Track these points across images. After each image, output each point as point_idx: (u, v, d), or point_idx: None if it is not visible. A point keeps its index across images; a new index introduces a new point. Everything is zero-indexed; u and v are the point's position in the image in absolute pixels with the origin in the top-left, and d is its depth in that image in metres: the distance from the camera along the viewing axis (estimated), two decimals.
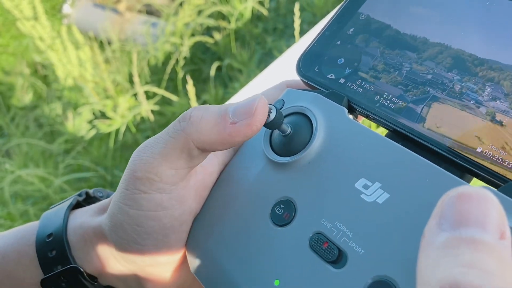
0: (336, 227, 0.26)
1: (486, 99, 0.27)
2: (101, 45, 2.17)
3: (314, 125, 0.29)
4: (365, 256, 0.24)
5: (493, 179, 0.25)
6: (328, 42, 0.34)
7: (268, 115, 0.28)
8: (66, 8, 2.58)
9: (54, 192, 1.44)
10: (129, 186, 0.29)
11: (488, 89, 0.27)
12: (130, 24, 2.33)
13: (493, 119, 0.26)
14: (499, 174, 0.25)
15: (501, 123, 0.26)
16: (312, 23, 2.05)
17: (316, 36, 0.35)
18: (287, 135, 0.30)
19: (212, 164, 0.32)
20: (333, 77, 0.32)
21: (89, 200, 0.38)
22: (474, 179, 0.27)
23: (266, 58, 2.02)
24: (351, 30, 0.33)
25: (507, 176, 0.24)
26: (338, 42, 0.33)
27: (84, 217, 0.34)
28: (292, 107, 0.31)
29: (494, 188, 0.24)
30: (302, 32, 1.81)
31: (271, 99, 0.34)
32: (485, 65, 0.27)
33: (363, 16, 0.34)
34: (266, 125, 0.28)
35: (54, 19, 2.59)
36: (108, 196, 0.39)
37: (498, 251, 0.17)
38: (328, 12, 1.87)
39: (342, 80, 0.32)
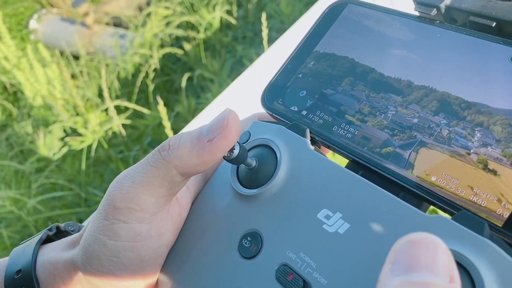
0: (301, 258, 0.27)
1: (477, 145, 0.27)
2: (68, 60, 2.14)
3: (278, 157, 0.31)
4: (329, 286, 0.26)
5: (448, 208, 0.26)
6: (290, 75, 0.35)
7: (232, 151, 0.29)
8: (33, 24, 2.54)
9: (28, 213, 1.42)
10: (108, 216, 0.29)
11: (478, 135, 0.27)
12: (98, 37, 2.31)
13: (485, 167, 0.26)
14: (453, 202, 0.26)
15: (494, 173, 0.26)
16: (280, 30, 2.07)
17: (279, 69, 0.36)
18: (252, 168, 0.31)
19: (185, 196, 0.33)
20: (296, 109, 0.34)
21: (59, 234, 0.37)
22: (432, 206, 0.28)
23: (237, 67, 2.03)
24: (312, 63, 0.35)
25: (460, 204, 0.26)
26: (300, 75, 0.35)
27: (54, 252, 0.33)
28: (257, 139, 0.32)
29: (448, 216, 0.25)
30: (272, 40, 1.83)
31: (241, 129, 0.36)
32: (473, 108, 0.28)
33: (323, 49, 0.35)
34: (231, 161, 0.29)
35: (20, 35, 2.55)
36: (79, 230, 0.39)
37: None
38: (295, 19, 1.89)
39: (304, 112, 0.33)
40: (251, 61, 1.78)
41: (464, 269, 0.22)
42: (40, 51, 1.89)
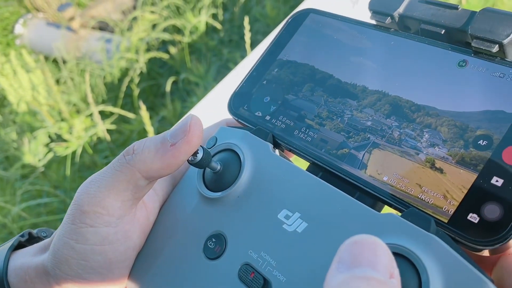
0: (262, 257, 0.28)
1: (425, 145, 0.29)
2: (55, 65, 2.14)
3: (242, 161, 0.32)
4: (287, 283, 0.27)
5: (398, 205, 0.28)
6: (255, 82, 0.37)
7: (196, 155, 0.30)
8: (18, 28, 2.53)
9: (12, 220, 1.41)
10: (75, 221, 0.30)
11: (426, 135, 0.29)
12: (84, 41, 2.30)
13: (432, 166, 0.28)
14: (403, 200, 0.28)
15: (441, 171, 0.28)
16: (266, 33, 2.09)
17: (245, 76, 0.37)
18: (217, 172, 0.32)
19: (153, 200, 0.34)
20: (260, 114, 0.35)
21: (32, 240, 0.38)
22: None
23: (223, 70, 2.05)
24: (275, 70, 0.36)
25: (410, 202, 0.28)
26: (264, 82, 0.36)
27: (26, 257, 0.34)
28: (223, 144, 0.34)
29: (397, 214, 0.27)
30: (257, 42, 1.85)
31: (210, 135, 0.37)
32: (422, 111, 0.30)
33: (286, 56, 0.37)
34: (195, 165, 0.31)
35: (6, 40, 2.53)
36: (52, 235, 0.40)
37: (389, 286, 0.19)
38: (280, 22, 1.91)
39: (268, 117, 0.35)
40: (237, 64, 1.79)
41: (411, 262, 0.24)
42: (24, 56, 1.89)
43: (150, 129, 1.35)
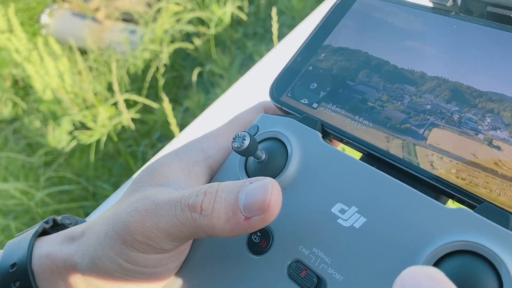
0: (314, 254, 0.26)
1: (486, 128, 0.27)
2: (80, 54, 2.15)
3: (289, 151, 0.30)
4: (344, 282, 0.25)
5: (468, 200, 0.25)
6: (300, 68, 0.34)
7: (242, 142, 0.28)
8: (44, 18, 2.55)
9: (36, 205, 1.42)
10: (126, 242, 0.28)
11: (488, 120, 0.27)
12: (109, 32, 2.31)
13: (489, 144, 0.26)
14: (474, 194, 0.25)
15: (498, 148, 0.26)
16: (291, 26, 2.06)
17: (288, 62, 0.35)
18: (262, 161, 0.30)
19: None
20: (306, 102, 0.33)
21: (56, 227, 0.36)
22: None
23: (247, 63, 2.03)
24: (322, 55, 0.34)
25: (482, 197, 0.25)
26: (310, 68, 0.34)
27: (52, 245, 0.32)
28: (267, 132, 0.32)
29: (470, 209, 0.24)
30: (282, 35, 1.82)
31: (247, 121, 0.35)
32: (484, 96, 0.27)
33: (334, 41, 0.34)
34: (240, 152, 0.28)
35: (32, 30, 2.56)
36: (76, 223, 0.38)
37: None
38: (307, 15, 1.88)
39: (315, 105, 0.32)
40: (261, 57, 1.77)
41: (489, 262, 0.21)
42: (50, 44, 1.90)
43: (173, 121, 1.34)
